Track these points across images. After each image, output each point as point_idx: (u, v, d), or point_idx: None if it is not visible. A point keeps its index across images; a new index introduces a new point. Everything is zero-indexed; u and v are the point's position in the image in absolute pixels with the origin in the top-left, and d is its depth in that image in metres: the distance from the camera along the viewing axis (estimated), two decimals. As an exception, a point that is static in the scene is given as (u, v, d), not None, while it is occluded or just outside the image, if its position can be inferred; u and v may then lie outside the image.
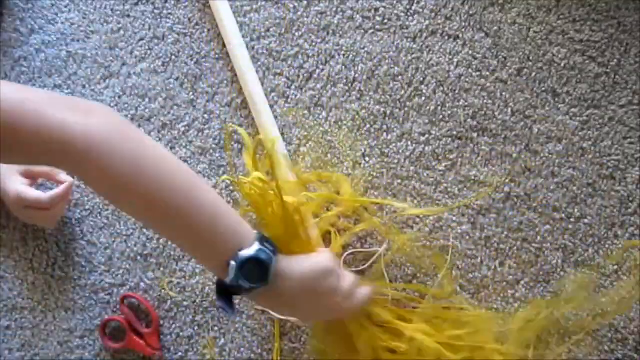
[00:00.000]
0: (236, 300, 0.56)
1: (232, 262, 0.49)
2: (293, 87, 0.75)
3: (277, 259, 0.51)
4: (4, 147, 0.41)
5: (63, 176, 0.72)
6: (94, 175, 0.45)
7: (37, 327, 0.75)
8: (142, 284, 0.74)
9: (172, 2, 0.78)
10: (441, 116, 0.72)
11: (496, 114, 0.72)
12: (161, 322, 0.73)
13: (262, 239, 0.51)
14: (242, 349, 0.72)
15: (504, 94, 0.72)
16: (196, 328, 0.73)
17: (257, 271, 0.50)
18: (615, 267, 0.69)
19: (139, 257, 0.74)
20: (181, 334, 0.73)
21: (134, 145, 0.46)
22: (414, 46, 0.74)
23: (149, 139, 0.49)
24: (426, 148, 0.72)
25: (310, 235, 0.64)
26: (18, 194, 0.68)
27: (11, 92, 0.42)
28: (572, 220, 0.70)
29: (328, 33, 0.75)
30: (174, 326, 0.73)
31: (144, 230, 0.74)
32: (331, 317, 0.62)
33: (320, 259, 0.59)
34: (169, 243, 0.74)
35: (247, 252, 0.49)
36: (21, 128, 0.41)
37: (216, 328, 0.72)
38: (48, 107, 0.42)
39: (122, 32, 0.78)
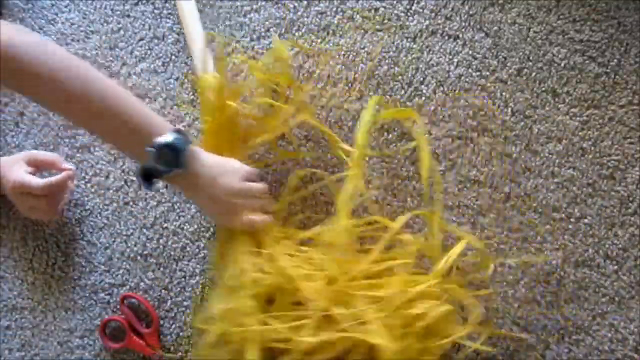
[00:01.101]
0: (158, 182, 0.64)
1: (150, 149, 0.57)
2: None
3: (190, 147, 0.59)
4: None
5: (65, 165, 0.72)
6: (23, 77, 0.53)
7: (37, 327, 0.75)
8: (142, 284, 0.74)
9: (172, 2, 0.78)
10: (441, 116, 0.72)
11: (496, 114, 0.72)
12: (161, 322, 0.73)
13: (177, 131, 0.59)
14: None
15: (504, 94, 0.72)
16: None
17: (171, 156, 0.58)
18: (616, 267, 0.69)
19: (138, 257, 0.74)
20: (181, 334, 0.73)
21: (58, 54, 0.56)
22: (414, 46, 0.74)
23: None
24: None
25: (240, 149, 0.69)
26: (15, 179, 0.69)
27: None
28: (572, 220, 0.70)
29: (328, 33, 0.75)
30: (174, 326, 0.73)
31: (144, 230, 0.74)
32: (228, 219, 0.65)
33: (232, 160, 0.66)
34: (169, 243, 0.74)
35: (163, 139, 0.58)
36: None
37: (216, 328, 0.72)
38: None
39: (122, 32, 0.78)
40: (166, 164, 0.58)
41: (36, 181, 0.69)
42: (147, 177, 0.60)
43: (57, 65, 0.54)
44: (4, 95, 0.79)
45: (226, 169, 0.65)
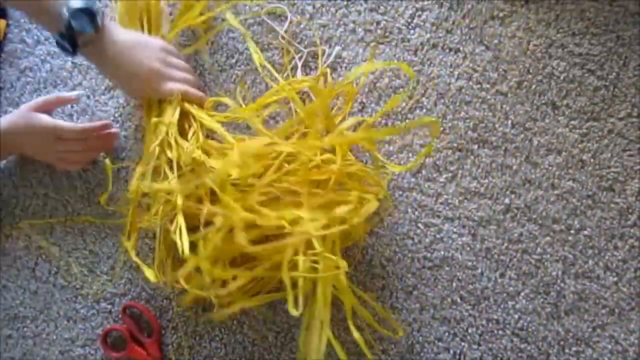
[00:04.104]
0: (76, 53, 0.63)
1: (64, 11, 0.59)
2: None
3: (104, 12, 0.63)
4: None
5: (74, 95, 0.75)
6: None
7: (38, 336, 0.75)
8: (144, 293, 0.74)
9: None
10: (442, 128, 0.73)
11: (496, 126, 0.73)
12: (162, 331, 0.73)
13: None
14: (242, 359, 0.72)
15: (504, 106, 0.73)
16: (197, 338, 0.73)
17: (86, 20, 0.60)
18: (615, 278, 0.69)
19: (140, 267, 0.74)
20: (182, 343, 0.73)
21: None
22: (415, 59, 0.75)
23: None
24: (427, 160, 0.72)
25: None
26: (54, 124, 0.71)
27: None
28: (571, 232, 0.70)
29: (330, 46, 0.76)
30: (175, 336, 0.73)
31: (146, 240, 0.75)
32: (148, 92, 0.68)
33: (151, 37, 0.70)
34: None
35: (76, 3, 0.60)
36: None
37: (217, 338, 0.72)
38: None
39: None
40: (81, 27, 0.60)
41: (74, 126, 0.72)
42: (64, 46, 0.61)
43: None
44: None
45: (146, 39, 0.68)
